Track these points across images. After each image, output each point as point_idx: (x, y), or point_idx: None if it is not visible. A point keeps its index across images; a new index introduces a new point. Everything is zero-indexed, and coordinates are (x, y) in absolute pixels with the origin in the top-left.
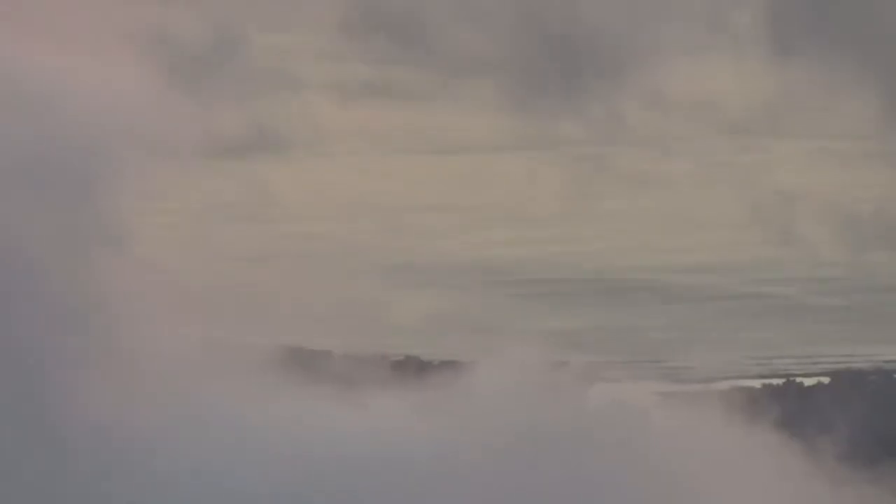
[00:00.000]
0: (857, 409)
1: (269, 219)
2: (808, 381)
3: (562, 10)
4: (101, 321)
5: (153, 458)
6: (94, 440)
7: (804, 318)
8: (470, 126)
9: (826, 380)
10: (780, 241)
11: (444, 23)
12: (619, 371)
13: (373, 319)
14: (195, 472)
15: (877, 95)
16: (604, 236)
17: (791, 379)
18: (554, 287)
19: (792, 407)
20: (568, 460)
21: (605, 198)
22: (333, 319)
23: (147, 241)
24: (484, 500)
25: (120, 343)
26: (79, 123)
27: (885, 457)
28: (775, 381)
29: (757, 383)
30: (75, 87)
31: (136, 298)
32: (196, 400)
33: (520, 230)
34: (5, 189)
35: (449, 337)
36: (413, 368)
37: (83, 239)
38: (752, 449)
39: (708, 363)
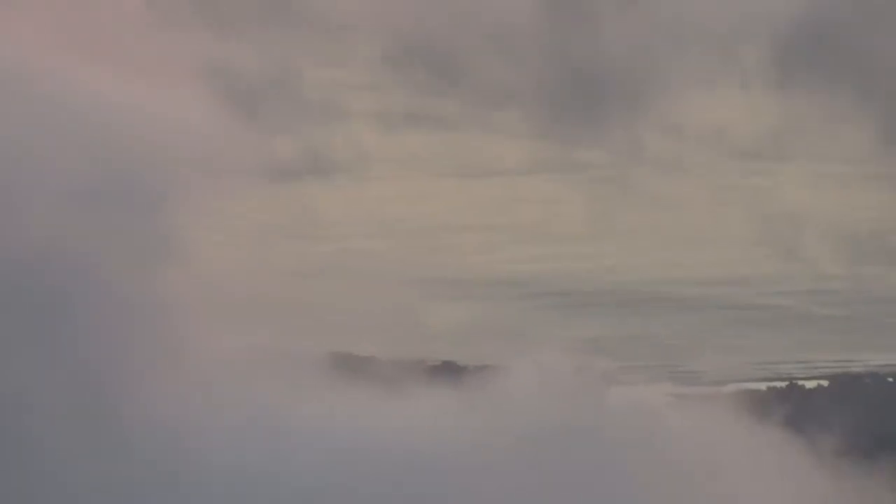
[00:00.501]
0: (853, 410)
1: (318, 236)
2: (808, 385)
3: (585, 45)
4: (163, 329)
5: (209, 456)
6: (154, 440)
7: (806, 326)
8: (501, 151)
9: (825, 383)
10: (785, 257)
11: (477, 57)
12: (635, 375)
13: (412, 328)
14: (248, 468)
15: (874, 123)
16: (622, 252)
17: (793, 382)
18: (576, 298)
19: (794, 408)
20: (589, 456)
21: (623, 217)
22: (376, 328)
23: (206, 255)
24: (514, 493)
25: (179, 350)
26: (145, 148)
27: (879, 453)
28: (779, 385)
29: (762, 386)
30: (142, 114)
31: (195, 308)
32: (250, 402)
33: (545, 247)
34: (77, 208)
35: (482, 343)
36: (449, 372)
37: (148, 253)
38: (757, 446)
39: (717, 367)
